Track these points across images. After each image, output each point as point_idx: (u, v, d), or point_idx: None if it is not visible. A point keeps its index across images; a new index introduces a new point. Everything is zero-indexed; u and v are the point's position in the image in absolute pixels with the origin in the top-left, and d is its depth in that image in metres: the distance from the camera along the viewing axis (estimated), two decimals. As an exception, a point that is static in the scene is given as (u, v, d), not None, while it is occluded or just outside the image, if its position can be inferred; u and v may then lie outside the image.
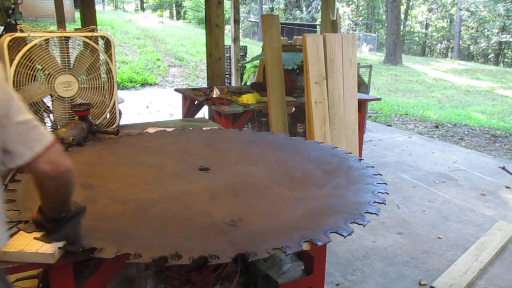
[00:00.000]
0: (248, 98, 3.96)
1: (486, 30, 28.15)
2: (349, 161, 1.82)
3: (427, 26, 35.14)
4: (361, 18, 34.77)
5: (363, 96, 4.79)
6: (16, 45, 2.02)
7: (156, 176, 1.64)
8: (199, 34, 17.58)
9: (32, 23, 13.19)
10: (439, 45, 34.55)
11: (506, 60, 29.70)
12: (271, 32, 4.00)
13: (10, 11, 2.82)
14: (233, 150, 1.98)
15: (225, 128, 2.55)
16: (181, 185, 1.54)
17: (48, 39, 2.12)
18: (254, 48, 16.17)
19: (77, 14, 14.48)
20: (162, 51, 14.44)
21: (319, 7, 24.14)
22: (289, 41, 6.03)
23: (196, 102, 4.38)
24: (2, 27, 2.88)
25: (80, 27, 5.22)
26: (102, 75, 2.32)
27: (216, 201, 1.40)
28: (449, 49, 32.93)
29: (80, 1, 5.91)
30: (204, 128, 2.44)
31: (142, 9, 30.80)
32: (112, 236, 1.14)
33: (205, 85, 6.42)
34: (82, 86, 2.23)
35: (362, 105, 4.59)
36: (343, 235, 1.18)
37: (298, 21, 26.01)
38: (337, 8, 5.30)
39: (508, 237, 3.25)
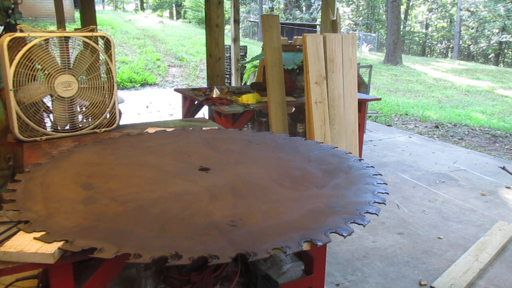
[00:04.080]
0: (248, 98, 3.96)
1: (486, 30, 28.16)
2: (349, 161, 1.82)
3: (427, 26, 35.16)
4: (361, 18, 34.78)
5: (363, 96, 4.79)
6: (15, 45, 2.02)
7: (156, 176, 1.64)
8: (199, 34, 17.59)
9: (32, 23, 13.20)
10: (439, 45, 34.58)
11: (506, 60, 29.72)
12: (271, 32, 4.00)
13: (10, 11, 2.81)
14: (233, 150, 1.98)
15: (225, 128, 2.55)
16: (181, 185, 1.54)
17: (48, 39, 2.12)
18: (254, 48, 16.18)
19: (77, 14, 14.49)
20: (162, 51, 14.44)
21: (319, 7, 24.15)
22: (289, 41, 6.03)
23: (196, 102, 4.38)
24: (2, 27, 2.87)
25: (80, 27, 5.22)
26: (102, 75, 2.32)
27: (216, 201, 1.40)
28: (449, 49, 32.95)
29: (80, 1, 5.92)
30: (204, 128, 2.44)
31: (142, 9, 30.81)
32: (112, 236, 1.14)
33: (205, 85, 6.42)
34: (82, 86, 2.23)
35: (362, 105, 4.59)
36: (343, 235, 1.18)
37: (298, 21, 26.01)
38: (337, 8, 5.30)
39: (508, 237, 3.25)
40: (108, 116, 2.39)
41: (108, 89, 2.33)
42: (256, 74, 6.05)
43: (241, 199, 1.42)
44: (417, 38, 34.51)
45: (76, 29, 2.71)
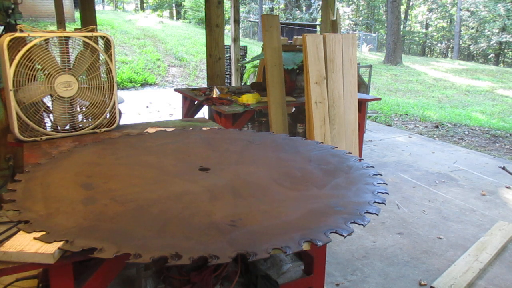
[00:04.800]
0: (248, 98, 3.96)
1: (486, 30, 28.17)
2: (349, 161, 1.82)
3: (427, 26, 35.17)
4: (361, 18, 34.79)
5: (363, 96, 4.79)
6: (15, 45, 2.02)
7: (156, 176, 1.64)
8: (199, 34, 17.59)
9: (32, 23, 13.21)
10: (439, 45, 34.59)
11: (506, 60, 29.73)
12: (271, 32, 4.00)
13: (10, 11, 2.81)
14: (233, 150, 1.98)
15: (225, 128, 2.55)
16: (181, 185, 1.54)
17: (48, 39, 2.12)
18: (254, 48, 16.19)
19: (77, 14, 14.49)
20: (162, 51, 14.45)
21: (319, 7, 24.15)
22: (289, 41, 6.03)
23: (196, 102, 4.38)
24: (2, 27, 2.87)
25: (80, 27, 5.22)
26: (102, 75, 2.32)
27: (216, 201, 1.40)
28: (449, 49, 32.97)
29: (80, 1, 5.92)
30: (204, 128, 2.44)
31: (142, 9, 30.81)
32: (112, 236, 1.14)
33: (205, 85, 6.42)
34: (82, 86, 2.23)
35: (362, 105, 4.59)
36: (343, 235, 1.18)
37: (298, 21, 26.02)
38: (337, 8, 5.30)
39: (508, 237, 3.25)
40: (108, 116, 2.39)
41: (108, 89, 2.33)
42: (256, 74, 6.06)
43: (241, 199, 1.42)
44: (417, 38, 34.52)
45: (76, 29, 2.71)
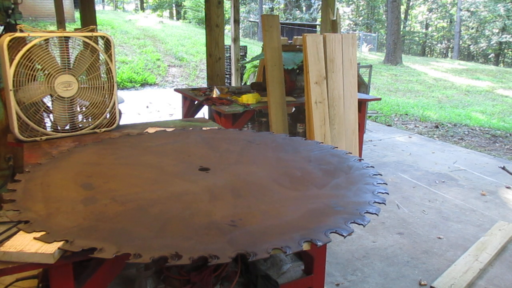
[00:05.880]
0: (248, 98, 3.96)
1: (486, 30, 28.18)
2: (349, 161, 1.82)
3: (427, 26, 35.18)
4: (361, 18, 34.79)
5: (363, 96, 4.79)
6: (15, 45, 2.02)
7: (156, 176, 1.64)
8: (199, 34, 17.59)
9: (32, 23, 13.21)
10: (439, 45, 34.60)
11: (506, 60, 29.74)
12: (271, 32, 4.00)
13: (10, 11, 2.81)
14: (233, 150, 1.98)
15: (225, 128, 2.55)
16: (181, 185, 1.54)
17: (48, 39, 2.12)
18: (254, 48, 16.19)
19: (77, 14, 14.50)
20: (162, 51, 14.44)
21: (319, 7, 24.15)
22: (289, 41, 6.03)
23: (196, 102, 4.38)
24: (2, 27, 2.87)
25: (80, 27, 5.22)
26: (102, 75, 2.32)
27: (216, 201, 1.40)
28: (449, 49, 32.97)
29: (80, 1, 5.92)
30: (204, 128, 2.44)
31: (142, 9, 30.81)
32: (112, 236, 1.14)
33: (205, 85, 6.42)
34: (82, 86, 2.23)
35: (362, 105, 4.59)
36: (343, 235, 1.18)
37: (298, 21, 26.02)
38: (337, 8, 5.30)
39: (508, 237, 3.25)
40: (108, 116, 2.39)
41: (108, 89, 2.33)
42: (256, 74, 6.06)
43: (241, 199, 1.42)
44: (417, 38, 34.53)
45: (76, 29, 2.71)
